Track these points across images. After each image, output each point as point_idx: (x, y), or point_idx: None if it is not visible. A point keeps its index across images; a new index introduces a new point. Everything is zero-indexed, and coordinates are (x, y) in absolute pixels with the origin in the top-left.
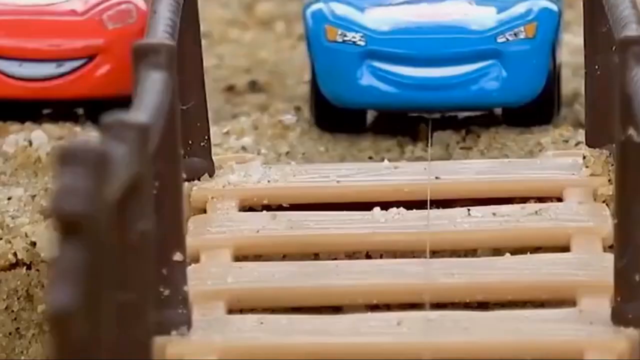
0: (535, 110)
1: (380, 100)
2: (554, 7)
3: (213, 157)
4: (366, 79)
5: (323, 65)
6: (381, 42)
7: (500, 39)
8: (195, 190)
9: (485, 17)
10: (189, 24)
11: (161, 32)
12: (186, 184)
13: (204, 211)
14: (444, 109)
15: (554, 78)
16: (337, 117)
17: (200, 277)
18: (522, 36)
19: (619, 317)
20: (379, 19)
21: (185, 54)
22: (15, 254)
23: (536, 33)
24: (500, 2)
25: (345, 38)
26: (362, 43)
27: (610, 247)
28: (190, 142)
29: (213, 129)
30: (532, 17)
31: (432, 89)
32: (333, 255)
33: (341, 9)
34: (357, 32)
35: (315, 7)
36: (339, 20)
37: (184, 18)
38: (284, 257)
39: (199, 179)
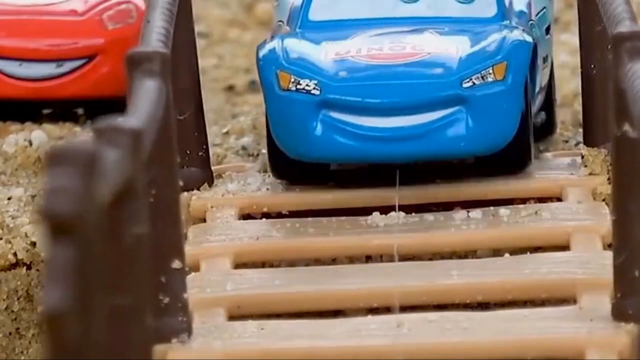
0: (508, 158)
1: (338, 154)
2: (528, 39)
3: (212, 166)
4: (322, 131)
5: (276, 115)
6: (337, 90)
7: (466, 84)
8: (195, 199)
9: (450, 57)
10: (184, 33)
11: (155, 41)
12: (185, 193)
13: (204, 220)
14: (406, 161)
15: (527, 119)
16: (295, 168)
17: (201, 284)
18: (490, 79)
19: (619, 314)
20: (334, 61)
21: (180, 63)
22: (15, 254)
23: (506, 74)
24: (467, 32)
25: (299, 86)
26: (317, 92)
27: (610, 245)
28: (188, 151)
29: (213, 129)
30: (501, 56)
31: (393, 141)
32: (333, 261)
33: (296, 48)
34: (311, 79)
35: (268, 47)
36: (292, 65)
37: (178, 27)
38: (284, 264)
39: (198, 189)
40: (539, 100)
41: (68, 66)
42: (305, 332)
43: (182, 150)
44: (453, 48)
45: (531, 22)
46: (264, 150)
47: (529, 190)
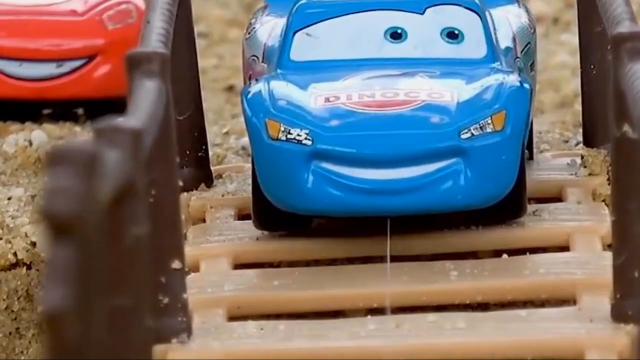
0: (501, 207)
1: (330, 206)
2: (525, 85)
3: (211, 166)
4: (313, 183)
5: (264, 164)
6: (330, 140)
7: (464, 134)
8: (194, 199)
9: (446, 105)
10: (184, 34)
11: (154, 41)
12: (185, 193)
13: (203, 220)
14: (401, 214)
15: (523, 167)
16: (280, 219)
17: (200, 285)
18: (489, 129)
19: (619, 314)
20: (325, 109)
21: (180, 63)
22: (15, 254)
23: (505, 124)
24: (460, 75)
25: (289, 136)
26: (309, 142)
27: (609, 245)
28: (187, 152)
29: (213, 129)
30: (499, 105)
31: (387, 194)
32: (333, 261)
33: (283, 93)
34: (302, 128)
35: (254, 89)
36: (281, 113)
37: (178, 28)
38: (284, 264)
39: (197, 189)
40: None
41: (68, 66)
42: (305, 333)
43: (181, 150)
44: (448, 94)
45: (517, 59)
46: None
47: (528, 190)
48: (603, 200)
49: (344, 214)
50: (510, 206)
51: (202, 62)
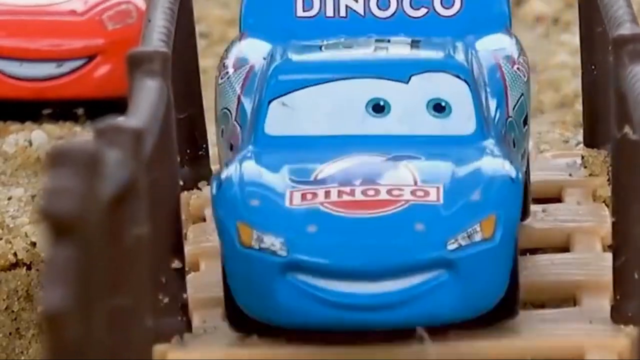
0: (492, 312)
1: (307, 321)
2: (517, 175)
3: (211, 165)
4: (289, 296)
5: (236, 273)
6: (306, 250)
7: (451, 245)
8: (195, 198)
9: (431, 209)
10: (185, 33)
11: (156, 40)
12: (185, 192)
13: (204, 219)
14: (383, 329)
15: (516, 270)
16: (257, 323)
17: (200, 284)
18: (477, 238)
19: (619, 316)
20: (301, 212)
21: (181, 62)
22: (15, 254)
23: (495, 230)
24: (447, 162)
25: (263, 244)
26: (283, 253)
27: (610, 246)
28: (188, 150)
29: (213, 129)
30: (489, 209)
31: (368, 309)
32: None
33: (256, 185)
34: (276, 235)
35: (225, 182)
36: (254, 216)
37: (179, 26)
38: None
39: (198, 188)
40: None
41: (68, 66)
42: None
43: (182, 149)
44: (434, 192)
45: (509, 119)
46: None
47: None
48: (603, 201)
49: (321, 328)
50: (502, 308)
51: (202, 62)
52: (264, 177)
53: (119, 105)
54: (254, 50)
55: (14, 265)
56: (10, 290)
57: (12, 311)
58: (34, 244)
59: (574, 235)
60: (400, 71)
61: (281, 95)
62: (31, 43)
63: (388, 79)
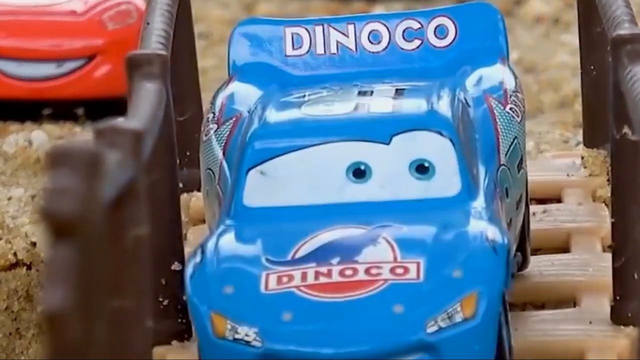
0: None
1: None
2: (502, 243)
3: None
4: None
5: None
6: (281, 339)
7: (430, 327)
8: (195, 200)
9: (410, 287)
10: (184, 35)
11: (154, 43)
12: (185, 194)
13: (204, 221)
14: None
15: (502, 345)
16: None
17: None
18: (458, 318)
19: (618, 316)
20: (276, 297)
21: (180, 64)
22: (15, 254)
23: (477, 309)
24: (433, 228)
25: (237, 335)
26: (258, 343)
27: (610, 247)
28: (188, 153)
29: None
30: (469, 286)
31: None
32: None
33: (231, 269)
34: (250, 325)
35: (199, 267)
36: (227, 304)
37: (178, 28)
38: None
39: (198, 190)
40: (514, 242)
41: (68, 66)
42: None
43: (182, 151)
44: (414, 268)
45: (501, 167)
46: None
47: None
48: (603, 202)
49: None
50: None
51: (202, 63)
52: (239, 259)
53: (119, 105)
54: (242, 98)
55: (14, 265)
56: (10, 290)
57: (12, 311)
58: (34, 244)
59: (574, 236)
60: (381, 132)
61: (259, 164)
62: (31, 43)
63: (368, 141)
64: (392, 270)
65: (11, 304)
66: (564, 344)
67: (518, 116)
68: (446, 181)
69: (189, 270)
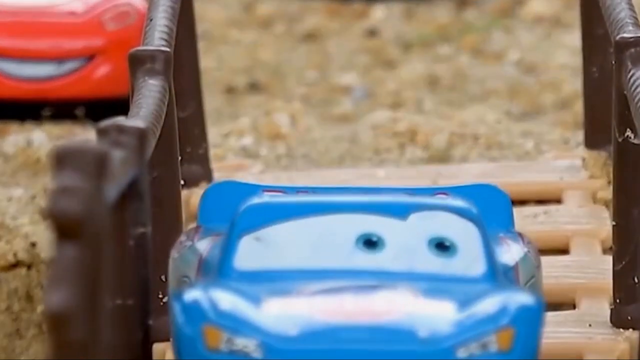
0: None
1: None
2: (535, 303)
3: (212, 164)
4: None
5: None
6: (285, 353)
7: (462, 353)
8: (195, 197)
9: (438, 317)
10: (186, 31)
11: (157, 39)
12: (185, 190)
13: None
14: None
15: None
16: None
17: None
18: (493, 348)
19: (618, 319)
20: (280, 315)
21: (182, 61)
22: (15, 255)
23: (514, 345)
24: (458, 293)
25: (234, 347)
26: (258, 355)
27: (610, 249)
28: (188, 149)
29: (213, 130)
30: (507, 320)
31: None
32: None
33: (227, 302)
34: (249, 336)
35: (188, 296)
36: (223, 319)
37: (181, 25)
38: None
39: (197, 186)
40: None
41: (68, 67)
42: None
43: (182, 147)
44: (439, 304)
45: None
46: (264, 152)
47: (528, 192)
48: (604, 204)
49: None
50: None
51: (202, 63)
52: (234, 293)
53: (119, 105)
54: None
55: (14, 266)
56: (10, 290)
57: (13, 311)
58: (34, 245)
59: (574, 238)
60: (397, 206)
61: (255, 230)
62: (31, 43)
63: (382, 215)
64: (414, 304)
65: (11, 304)
66: (563, 347)
67: (536, 262)
68: (469, 261)
69: (172, 299)
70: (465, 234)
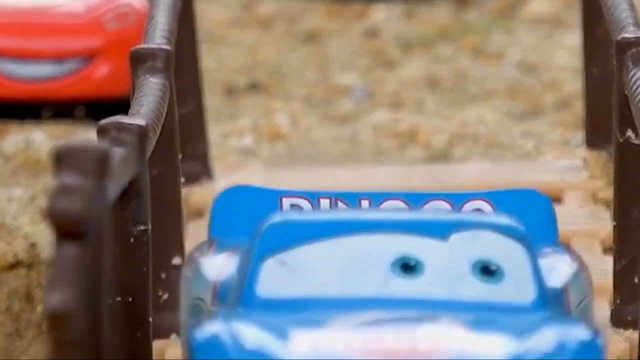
0: None
1: None
2: (594, 337)
3: (212, 161)
4: None
5: None
6: None
7: None
8: (195, 194)
9: (490, 355)
10: (187, 29)
11: (159, 37)
12: (185, 188)
13: (203, 215)
14: None
15: None
16: None
17: None
18: None
19: (618, 320)
20: (314, 352)
21: (182, 58)
22: (15, 255)
23: None
24: (508, 326)
25: None
26: None
27: (610, 249)
28: (188, 146)
29: (213, 130)
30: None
31: None
32: None
33: (251, 337)
34: None
35: (208, 330)
36: (248, 357)
37: (181, 23)
38: None
39: (198, 183)
40: None
41: (68, 67)
42: None
43: (182, 144)
44: (489, 340)
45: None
46: (264, 151)
47: None
48: (604, 204)
49: None
50: None
51: (202, 63)
52: (259, 327)
53: (119, 105)
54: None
55: (14, 266)
56: (10, 290)
57: (13, 312)
58: (34, 245)
59: (574, 238)
60: (437, 225)
61: (279, 252)
62: (31, 43)
63: (420, 235)
64: (462, 341)
65: (11, 304)
66: None
67: (588, 280)
68: (516, 287)
69: (190, 333)
70: (512, 256)
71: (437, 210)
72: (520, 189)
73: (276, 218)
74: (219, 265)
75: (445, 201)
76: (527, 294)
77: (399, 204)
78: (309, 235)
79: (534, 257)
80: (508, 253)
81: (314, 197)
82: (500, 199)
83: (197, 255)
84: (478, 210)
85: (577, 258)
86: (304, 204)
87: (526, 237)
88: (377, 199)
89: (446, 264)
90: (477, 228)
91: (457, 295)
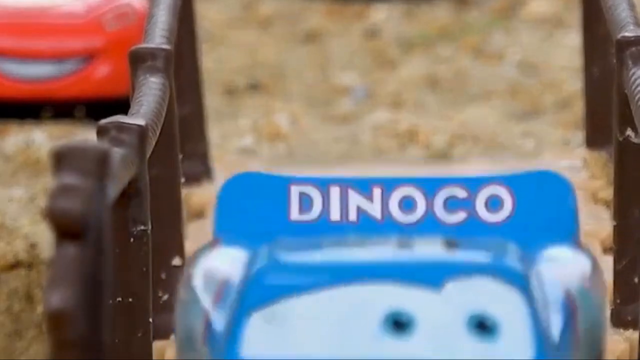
0: None
1: None
2: None
3: (212, 162)
4: None
5: None
6: None
7: None
8: (194, 194)
9: None
10: (186, 29)
11: (159, 37)
12: (185, 188)
13: (203, 216)
14: None
15: None
16: None
17: None
18: None
19: (618, 320)
20: None
21: (182, 58)
22: (15, 255)
23: None
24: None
25: None
26: None
27: (610, 249)
28: (188, 146)
29: (213, 130)
30: None
31: None
32: None
33: None
34: None
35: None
36: None
37: (181, 22)
38: None
39: (198, 183)
40: None
41: (68, 67)
42: None
43: (182, 144)
44: None
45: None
46: (264, 152)
47: None
48: (604, 204)
49: None
50: None
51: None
52: None
53: (119, 105)
54: (229, 263)
55: (14, 266)
56: (10, 290)
57: (13, 312)
58: (34, 245)
59: None
60: (431, 273)
61: (265, 306)
62: (31, 43)
63: (413, 285)
64: None
65: (11, 304)
66: None
67: (599, 290)
68: (514, 342)
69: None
70: (509, 307)
71: (432, 249)
72: (539, 171)
73: (263, 264)
74: (214, 289)
75: (460, 187)
76: (525, 351)
77: (413, 190)
78: (297, 286)
79: (533, 305)
80: (505, 303)
81: (323, 185)
82: (518, 183)
83: (192, 271)
84: (495, 197)
85: (594, 262)
86: (313, 191)
87: (524, 281)
88: (389, 185)
89: (440, 320)
90: (473, 274)
91: (451, 356)
